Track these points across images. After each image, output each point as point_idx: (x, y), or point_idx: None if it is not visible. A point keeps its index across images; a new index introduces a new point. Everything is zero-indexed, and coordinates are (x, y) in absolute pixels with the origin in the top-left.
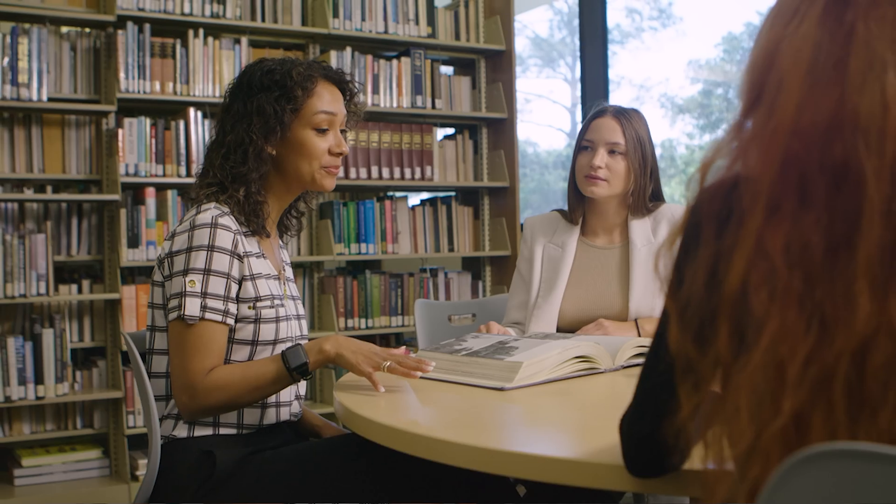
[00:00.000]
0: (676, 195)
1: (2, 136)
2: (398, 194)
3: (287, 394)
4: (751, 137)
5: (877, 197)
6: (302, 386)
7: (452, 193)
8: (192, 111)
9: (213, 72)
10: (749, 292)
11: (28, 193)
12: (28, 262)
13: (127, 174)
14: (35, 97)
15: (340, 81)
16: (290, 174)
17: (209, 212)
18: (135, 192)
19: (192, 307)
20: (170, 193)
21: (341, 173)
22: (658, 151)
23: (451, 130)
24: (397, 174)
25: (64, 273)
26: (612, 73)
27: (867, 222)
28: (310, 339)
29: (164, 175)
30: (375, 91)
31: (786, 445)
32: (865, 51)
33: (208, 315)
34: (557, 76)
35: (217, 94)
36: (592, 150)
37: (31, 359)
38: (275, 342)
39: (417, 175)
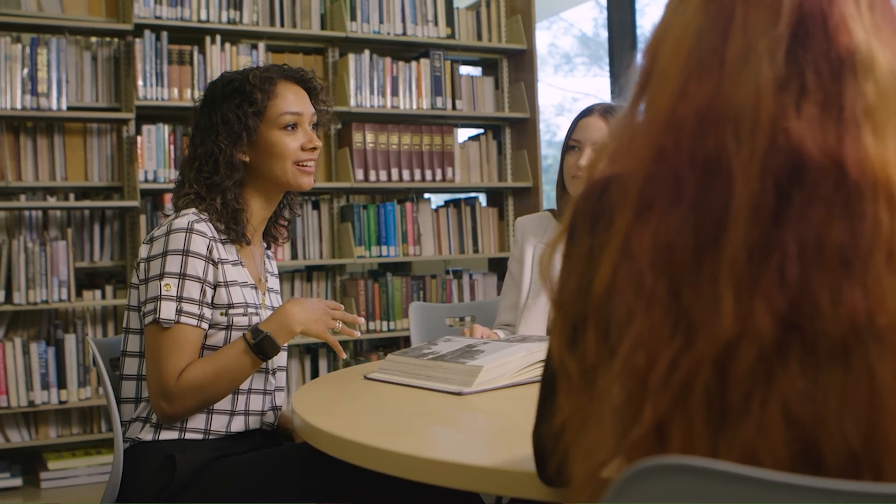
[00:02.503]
0: None
1: (25, 145)
2: (420, 196)
3: (258, 403)
4: (631, 131)
5: (744, 193)
6: (280, 396)
7: (476, 195)
8: None
9: None
10: (614, 295)
11: (51, 201)
12: (49, 268)
13: (146, 181)
14: (55, 106)
15: (302, 80)
16: (266, 178)
17: (186, 217)
18: (154, 199)
19: (167, 311)
20: None
21: (360, 175)
22: None
23: (475, 131)
24: (418, 176)
25: (91, 279)
26: None
27: (733, 220)
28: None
29: (167, 180)
30: (395, 93)
31: (647, 456)
32: (742, 38)
33: (184, 319)
34: (605, 74)
35: None
36: (579, 149)
37: (53, 364)
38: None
39: (438, 177)
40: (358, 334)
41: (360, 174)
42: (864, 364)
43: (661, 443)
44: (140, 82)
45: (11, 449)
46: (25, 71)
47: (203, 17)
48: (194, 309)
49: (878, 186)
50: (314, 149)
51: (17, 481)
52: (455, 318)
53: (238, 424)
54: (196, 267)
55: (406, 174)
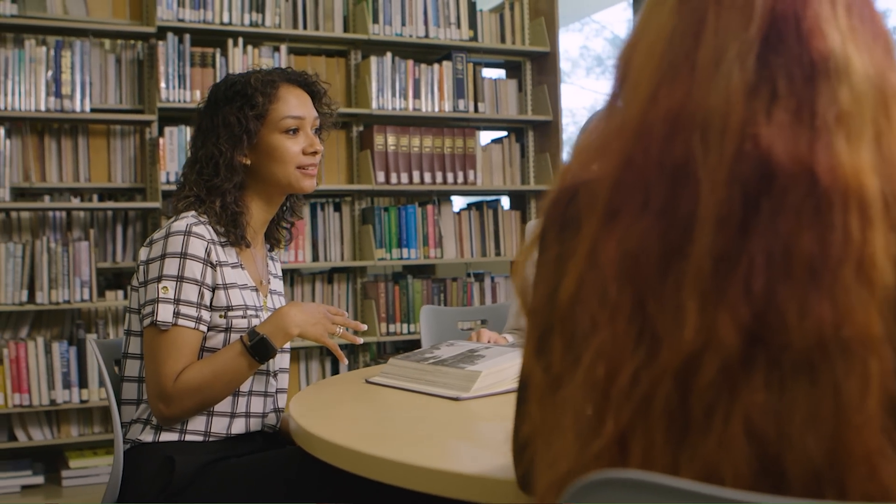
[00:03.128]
0: None
1: (50, 146)
2: (442, 199)
3: (259, 405)
4: (603, 136)
5: (710, 201)
6: (283, 398)
7: (498, 197)
8: None
9: None
10: (578, 304)
11: (75, 202)
12: (72, 269)
13: (168, 182)
14: (78, 108)
15: (305, 84)
16: (267, 181)
17: (185, 220)
18: None
19: (164, 313)
20: None
21: (382, 178)
22: None
23: (497, 134)
24: (440, 179)
25: (116, 279)
26: None
27: (699, 229)
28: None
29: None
30: (416, 96)
31: (609, 468)
32: (714, 42)
33: (181, 321)
34: None
35: None
36: None
37: (75, 363)
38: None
39: (460, 179)
40: (360, 341)
41: (381, 176)
42: (830, 379)
43: (623, 456)
44: (163, 84)
45: (34, 447)
46: (49, 73)
47: (225, 19)
48: (191, 311)
49: (849, 195)
50: (315, 153)
51: (39, 479)
52: (469, 321)
53: (239, 426)
54: (194, 270)
55: (427, 177)
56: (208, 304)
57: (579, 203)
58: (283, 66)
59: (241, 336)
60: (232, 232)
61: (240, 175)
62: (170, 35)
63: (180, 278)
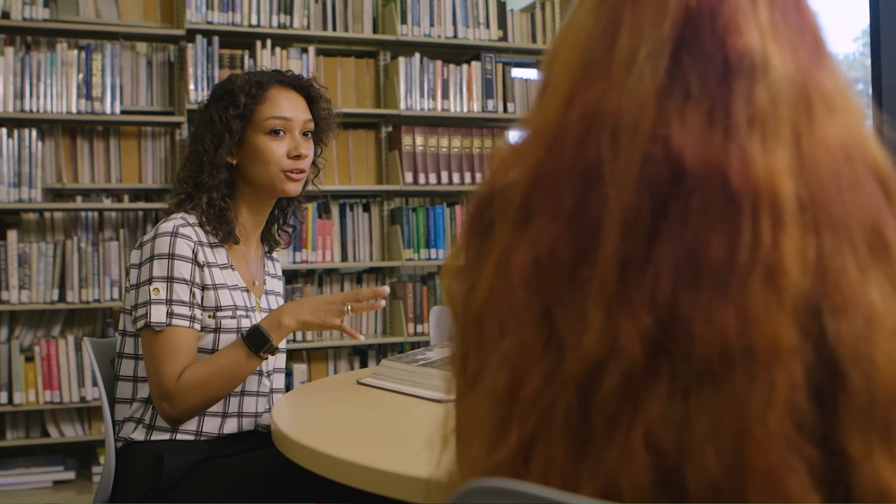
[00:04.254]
0: None
1: (82, 147)
2: None
3: (252, 405)
4: (523, 140)
5: (617, 206)
6: (277, 399)
7: None
8: None
9: None
10: (489, 310)
11: (106, 203)
12: (102, 268)
13: None
14: (108, 110)
15: (300, 87)
16: (253, 181)
17: (172, 221)
18: None
19: (157, 314)
20: None
21: (410, 178)
22: None
23: None
24: (468, 179)
25: None
26: None
27: (605, 235)
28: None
29: None
30: (445, 96)
31: (515, 478)
32: (629, 41)
33: (175, 321)
34: None
35: None
36: None
37: None
38: None
39: None
40: (361, 338)
41: (409, 177)
42: (733, 390)
43: (525, 466)
44: (192, 86)
45: (65, 443)
46: (80, 76)
47: (254, 21)
48: (185, 310)
49: (760, 198)
50: (299, 157)
51: (71, 474)
52: None
53: (231, 426)
54: (182, 270)
55: (456, 177)
56: (200, 302)
57: (494, 208)
58: (312, 67)
59: (239, 333)
60: (219, 228)
61: (224, 173)
62: (198, 37)
63: (170, 279)
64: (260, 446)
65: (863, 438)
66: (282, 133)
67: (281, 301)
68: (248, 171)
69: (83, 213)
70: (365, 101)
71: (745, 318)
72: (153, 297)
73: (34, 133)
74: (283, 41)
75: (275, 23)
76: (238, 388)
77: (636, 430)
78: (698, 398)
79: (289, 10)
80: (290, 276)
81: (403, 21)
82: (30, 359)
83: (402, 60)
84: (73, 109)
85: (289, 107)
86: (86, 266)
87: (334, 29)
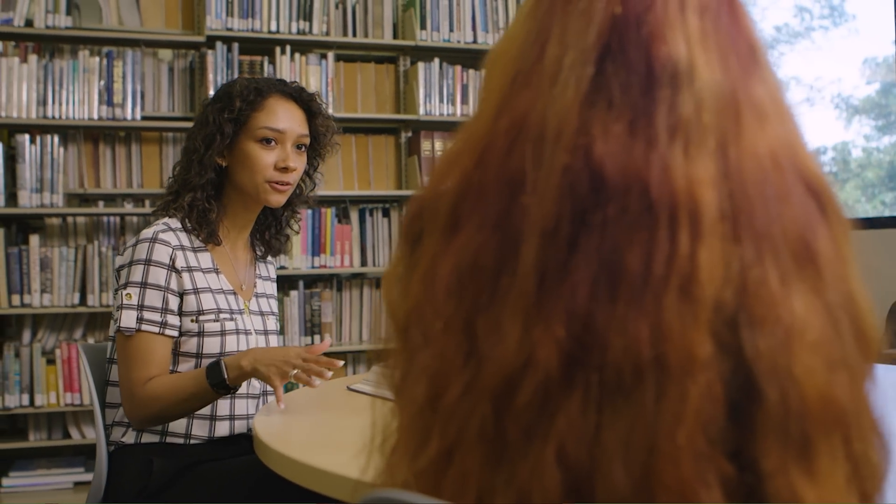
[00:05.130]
0: (851, 200)
1: (104, 153)
2: None
3: (243, 407)
4: (457, 149)
5: (538, 216)
6: (272, 399)
7: None
8: None
9: None
10: (414, 318)
11: (128, 208)
12: None
13: None
14: (129, 116)
15: (300, 100)
16: (239, 186)
17: (153, 227)
18: None
19: (127, 319)
20: None
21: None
22: (830, 155)
23: None
24: None
25: None
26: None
27: (525, 244)
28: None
29: None
30: (464, 101)
31: (434, 489)
32: (557, 50)
33: (145, 327)
34: None
35: None
36: None
37: None
38: (221, 355)
39: None
40: (317, 383)
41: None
42: (644, 403)
43: (443, 476)
44: (212, 92)
45: (86, 444)
46: (102, 83)
47: (273, 28)
48: (155, 317)
49: (679, 209)
50: (287, 169)
51: (91, 476)
52: None
53: (222, 429)
54: (157, 276)
55: None
56: (175, 309)
57: (424, 217)
58: (331, 73)
59: (221, 355)
60: (200, 229)
61: (211, 173)
62: (218, 44)
63: (144, 284)
64: (252, 450)
65: (778, 454)
66: (273, 143)
67: (273, 304)
68: (236, 175)
69: (105, 218)
70: (384, 106)
71: (659, 329)
72: (125, 301)
73: (56, 139)
74: (302, 47)
75: (294, 29)
76: (217, 398)
77: (549, 444)
78: (611, 412)
79: (308, 17)
80: (309, 281)
81: (423, 26)
82: (51, 361)
83: (421, 66)
84: (95, 115)
85: (285, 118)
86: (107, 270)
87: (354, 35)
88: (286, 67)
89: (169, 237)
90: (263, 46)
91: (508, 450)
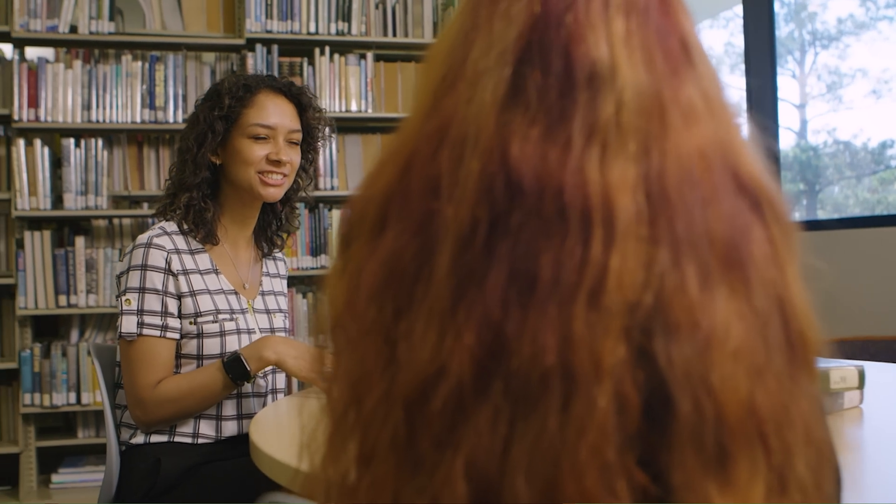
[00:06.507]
0: None
1: (148, 156)
2: None
3: (250, 406)
4: (388, 151)
5: (454, 221)
6: (280, 398)
7: None
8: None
9: (339, 87)
10: (339, 322)
11: None
12: None
13: None
14: (171, 119)
15: (290, 94)
16: (234, 182)
17: (149, 232)
18: None
19: (128, 325)
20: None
21: None
22: None
23: None
24: None
25: None
26: (846, 66)
27: (442, 249)
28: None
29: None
30: None
31: (352, 494)
32: (480, 51)
33: (146, 331)
34: (785, 73)
35: (344, 108)
36: None
37: None
38: (222, 356)
39: None
40: None
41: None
42: (550, 414)
43: (358, 483)
44: None
45: None
46: (144, 86)
47: (312, 29)
48: (156, 320)
49: (593, 214)
50: (279, 162)
51: None
52: None
53: (230, 429)
54: (154, 280)
55: None
56: (175, 312)
57: (352, 220)
58: (371, 73)
59: (222, 356)
60: (197, 230)
61: (205, 172)
62: (258, 46)
63: (142, 289)
64: None
65: (690, 465)
66: (265, 139)
67: (282, 301)
68: (230, 171)
69: (149, 220)
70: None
71: (567, 338)
72: (125, 307)
73: (101, 142)
74: (341, 48)
75: (333, 30)
76: (234, 391)
77: (459, 455)
78: (521, 423)
79: (347, 17)
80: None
81: None
82: None
83: None
84: (138, 119)
85: (275, 113)
86: None
87: (394, 34)
88: (325, 68)
89: (164, 241)
90: (302, 48)
91: (422, 460)
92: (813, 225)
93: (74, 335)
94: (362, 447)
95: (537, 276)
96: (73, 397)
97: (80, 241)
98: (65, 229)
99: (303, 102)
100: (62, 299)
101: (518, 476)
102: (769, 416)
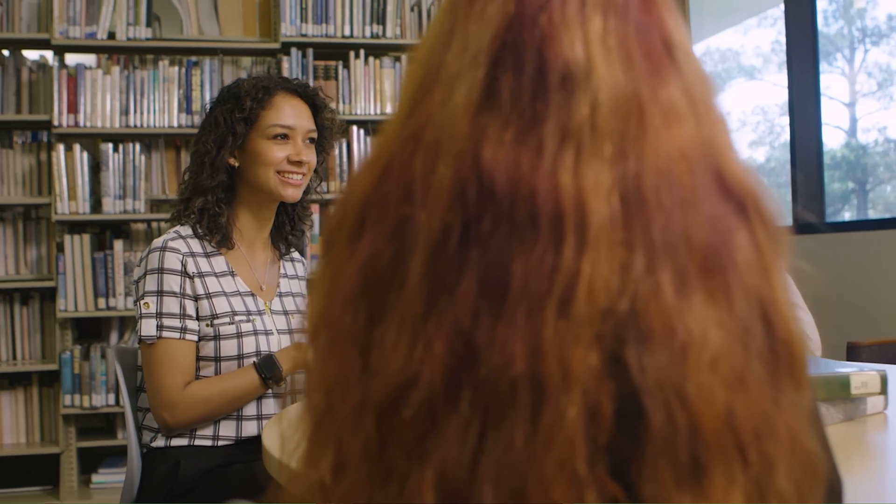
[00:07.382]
0: None
1: (185, 160)
2: None
3: (270, 407)
4: (369, 155)
5: (427, 226)
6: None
7: None
8: (354, 129)
9: (374, 90)
10: (319, 327)
11: None
12: None
13: None
14: None
15: (305, 95)
16: (253, 184)
17: (164, 237)
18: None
19: (147, 328)
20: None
21: None
22: None
23: None
24: None
25: None
26: None
27: (415, 255)
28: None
29: (328, 192)
30: None
31: (325, 499)
32: (456, 54)
33: (166, 333)
34: (834, 70)
35: (378, 111)
36: None
37: None
38: (239, 357)
39: None
40: None
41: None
42: (519, 425)
43: (333, 490)
44: None
45: None
46: (181, 91)
47: (346, 32)
48: (175, 322)
49: (566, 219)
50: (300, 162)
51: None
52: None
53: (250, 430)
54: (171, 283)
55: None
56: (193, 314)
57: (332, 224)
58: (404, 75)
59: (239, 358)
60: (211, 235)
61: (223, 174)
62: (293, 50)
63: (160, 293)
64: None
65: (662, 478)
66: (285, 139)
67: (302, 302)
68: (249, 173)
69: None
70: None
71: (536, 346)
72: (143, 311)
73: (138, 147)
74: (376, 51)
75: (368, 33)
76: (264, 392)
77: (428, 466)
78: (491, 434)
79: (381, 20)
80: None
81: None
82: None
83: None
84: (175, 123)
85: (293, 114)
86: None
87: None
88: (360, 71)
89: (178, 245)
90: (337, 51)
91: (394, 469)
92: (863, 225)
93: (114, 337)
94: (337, 455)
95: (508, 283)
96: (111, 398)
97: (118, 245)
98: (104, 233)
99: (317, 104)
100: (101, 302)
101: (486, 488)
102: (748, 427)
